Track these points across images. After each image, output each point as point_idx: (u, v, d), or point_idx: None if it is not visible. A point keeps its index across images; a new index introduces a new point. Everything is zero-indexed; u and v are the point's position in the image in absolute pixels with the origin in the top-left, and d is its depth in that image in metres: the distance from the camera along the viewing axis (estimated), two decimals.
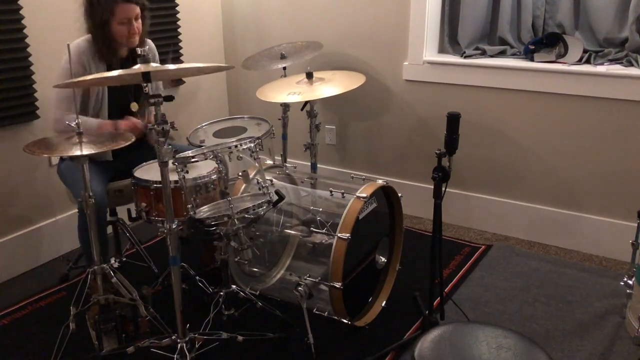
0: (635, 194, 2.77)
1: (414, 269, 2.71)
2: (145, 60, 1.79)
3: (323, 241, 2.27)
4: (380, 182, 2.37)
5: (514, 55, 3.07)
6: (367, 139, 3.51)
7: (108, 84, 2.40)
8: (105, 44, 2.42)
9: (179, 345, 1.99)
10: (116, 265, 2.21)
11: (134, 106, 2.55)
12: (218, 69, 2.11)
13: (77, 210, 2.39)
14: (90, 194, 2.07)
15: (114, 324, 2.18)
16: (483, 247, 3.03)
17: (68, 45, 2.15)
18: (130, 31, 2.40)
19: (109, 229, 2.58)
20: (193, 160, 2.02)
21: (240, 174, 2.11)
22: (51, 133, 2.42)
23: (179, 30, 3.52)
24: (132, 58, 2.54)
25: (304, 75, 2.78)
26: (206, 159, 2.06)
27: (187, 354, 1.98)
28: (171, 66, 1.86)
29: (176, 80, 3.52)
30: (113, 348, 2.17)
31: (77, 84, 2.26)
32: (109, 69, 2.45)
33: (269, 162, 2.58)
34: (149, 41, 2.64)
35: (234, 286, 2.33)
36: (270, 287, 2.45)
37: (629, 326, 2.30)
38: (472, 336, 1.50)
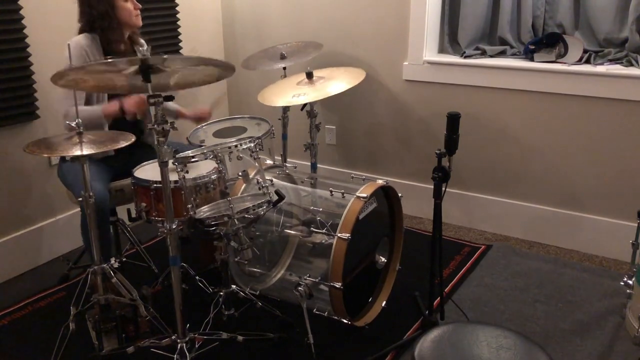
0: (635, 194, 2.77)
1: (414, 269, 2.71)
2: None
3: (323, 241, 2.27)
4: (380, 182, 2.37)
5: (514, 55, 3.07)
6: (367, 139, 3.51)
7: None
8: (112, 33, 2.43)
9: (179, 345, 1.99)
10: (116, 265, 2.21)
11: None
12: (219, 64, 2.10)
13: (78, 209, 2.39)
14: (90, 193, 2.07)
15: (114, 324, 2.18)
16: (483, 247, 3.03)
17: (68, 44, 2.18)
18: (135, 6, 2.48)
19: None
20: (193, 160, 2.02)
21: (240, 174, 2.10)
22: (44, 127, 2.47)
23: (179, 30, 3.52)
24: (132, 50, 2.58)
25: (304, 76, 2.78)
26: (206, 158, 2.06)
27: (187, 354, 1.98)
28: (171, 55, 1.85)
29: None
30: (113, 348, 2.17)
31: (76, 73, 2.26)
32: None
33: (269, 162, 2.58)
34: (142, 39, 2.67)
35: (234, 286, 2.33)
36: (270, 287, 2.45)
37: (629, 326, 2.30)
38: (472, 336, 1.50)
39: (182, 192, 2.03)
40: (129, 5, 2.46)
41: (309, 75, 2.76)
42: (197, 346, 2.10)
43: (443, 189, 2.07)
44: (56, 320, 2.40)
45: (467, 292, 2.60)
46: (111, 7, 2.41)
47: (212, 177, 2.12)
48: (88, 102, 2.48)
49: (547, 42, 2.91)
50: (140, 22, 2.53)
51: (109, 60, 1.76)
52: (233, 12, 3.81)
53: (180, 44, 3.54)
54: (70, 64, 2.30)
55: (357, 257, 2.30)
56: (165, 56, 1.70)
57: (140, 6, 2.52)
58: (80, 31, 2.47)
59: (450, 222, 3.31)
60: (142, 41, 2.67)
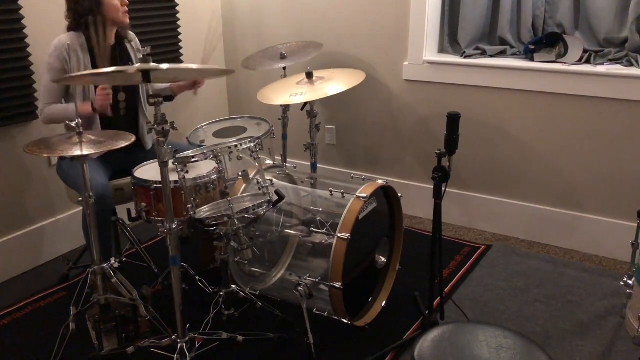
0: (635, 194, 2.77)
1: (414, 269, 2.71)
2: (145, 59, 1.78)
3: (323, 241, 2.27)
4: (380, 182, 2.37)
5: (514, 55, 3.07)
6: (367, 139, 3.51)
7: (107, 83, 2.40)
8: (96, 31, 2.41)
9: (179, 345, 1.99)
10: (116, 265, 2.21)
11: (122, 96, 2.56)
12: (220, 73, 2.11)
13: (78, 209, 2.39)
14: (90, 193, 2.07)
15: (114, 324, 2.18)
16: (483, 247, 3.03)
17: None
18: (122, 3, 2.46)
19: None
20: (193, 160, 2.02)
21: (240, 174, 2.10)
22: (44, 127, 2.51)
23: (179, 30, 3.52)
24: (118, 46, 2.57)
25: (304, 75, 2.78)
26: (206, 158, 2.06)
27: (187, 354, 1.98)
28: (172, 65, 1.85)
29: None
30: (113, 348, 2.17)
31: (75, 80, 2.27)
32: (94, 60, 2.46)
33: (269, 162, 2.58)
34: (131, 33, 2.66)
35: (234, 286, 2.33)
36: (270, 287, 2.45)
37: (629, 326, 2.30)
38: (472, 336, 1.50)
39: (182, 192, 2.03)
40: (116, 1, 2.44)
41: (309, 75, 2.76)
42: (197, 346, 2.11)
43: (443, 189, 2.07)
44: (56, 320, 2.40)
45: (467, 292, 2.60)
46: (97, 4, 2.39)
47: (212, 177, 2.12)
48: (67, 95, 2.50)
49: (547, 42, 2.91)
50: (127, 20, 2.51)
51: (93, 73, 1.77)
52: (233, 12, 3.81)
53: (181, 44, 3.54)
54: (50, 66, 2.39)
55: (357, 257, 2.30)
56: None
57: (127, 2, 2.49)
58: (68, 29, 2.47)
59: (450, 222, 3.31)
60: (132, 35, 2.66)
